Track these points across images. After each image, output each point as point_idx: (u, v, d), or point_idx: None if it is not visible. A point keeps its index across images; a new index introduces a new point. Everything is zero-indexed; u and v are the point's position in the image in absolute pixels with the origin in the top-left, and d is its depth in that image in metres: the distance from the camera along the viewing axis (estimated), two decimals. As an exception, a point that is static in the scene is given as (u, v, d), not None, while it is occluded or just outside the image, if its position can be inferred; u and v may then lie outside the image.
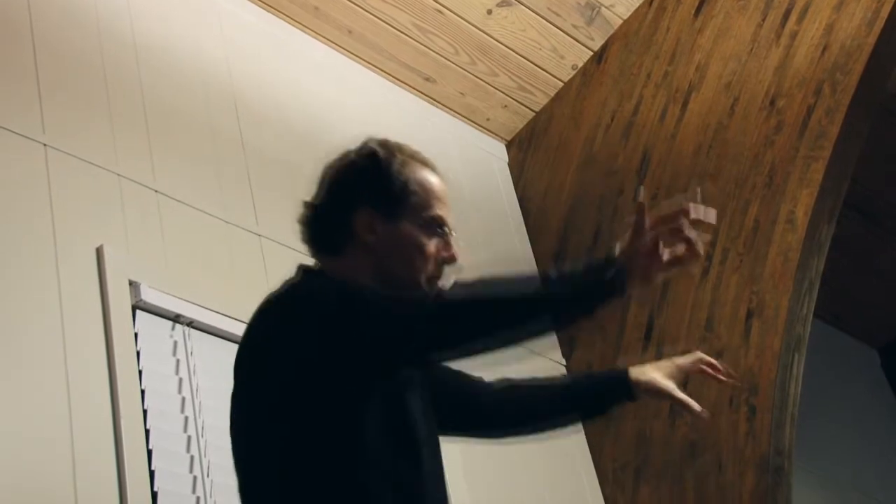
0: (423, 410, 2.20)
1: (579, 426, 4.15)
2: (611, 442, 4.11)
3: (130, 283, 3.02)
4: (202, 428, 2.92)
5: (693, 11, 4.42)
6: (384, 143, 2.33)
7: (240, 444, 2.16)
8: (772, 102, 4.07)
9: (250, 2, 4.01)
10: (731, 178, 4.07)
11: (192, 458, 2.88)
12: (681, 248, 2.01)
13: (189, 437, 2.91)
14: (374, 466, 2.05)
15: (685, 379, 2.53)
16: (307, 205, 2.30)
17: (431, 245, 2.25)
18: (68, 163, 3.10)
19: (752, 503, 3.70)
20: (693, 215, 1.99)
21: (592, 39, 4.64)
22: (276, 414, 2.09)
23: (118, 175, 3.20)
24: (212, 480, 2.85)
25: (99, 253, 3.01)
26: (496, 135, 4.78)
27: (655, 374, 2.50)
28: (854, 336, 6.02)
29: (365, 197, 2.25)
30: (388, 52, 4.33)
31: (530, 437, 2.58)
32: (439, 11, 4.32)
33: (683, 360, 2.54)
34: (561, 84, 4.71)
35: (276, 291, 2.18)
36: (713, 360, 2.53)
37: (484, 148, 4.72)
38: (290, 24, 4.12)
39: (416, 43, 4.35)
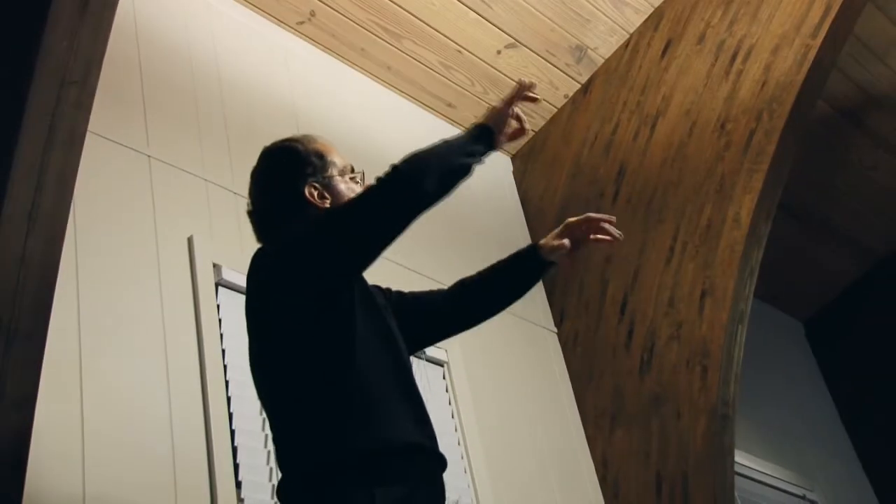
0: (393, 332, 2.20)
1: (567, 382, 4.16)
2: (592, 394, 4.10)
3: (214, 265, 3.03)
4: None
5: (660, 53, 4.40)
6: (287, 139, 2.39)
7: (257, 376, 2.16)
8: (722, 126, 4.05)
9: (312, 45, 4.01)
10: (690, 186, 4.06)
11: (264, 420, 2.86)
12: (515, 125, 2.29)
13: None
14: (357, 372, 2.05)
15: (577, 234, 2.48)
16: (253, 211, 2.31)
17: (359, 188, 2.32)
18: (166, 170, 3.10)
19: (703, 444, 3.69)
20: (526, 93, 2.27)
21: (580, 75, 4.62)
22: (275, 343, 2.10)
23: (205, 180, 3.21)
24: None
25: (190, 241, 3.01)
26: (504, 150, 4.77)
27: (552, 237, 2.48)
28: (785, 312, 6.01)
29: (304, 176, 2.27)
30: (418, 84, 4.32)
31: (491, 315, 2.51)
32: (459, 52, 4.31)
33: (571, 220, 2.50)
34: (555, 110, 4.70)
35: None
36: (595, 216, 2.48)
37: (494, 160, 4.63)
38: (341, 61, 4.11)
39: (440, 77, 4.34)
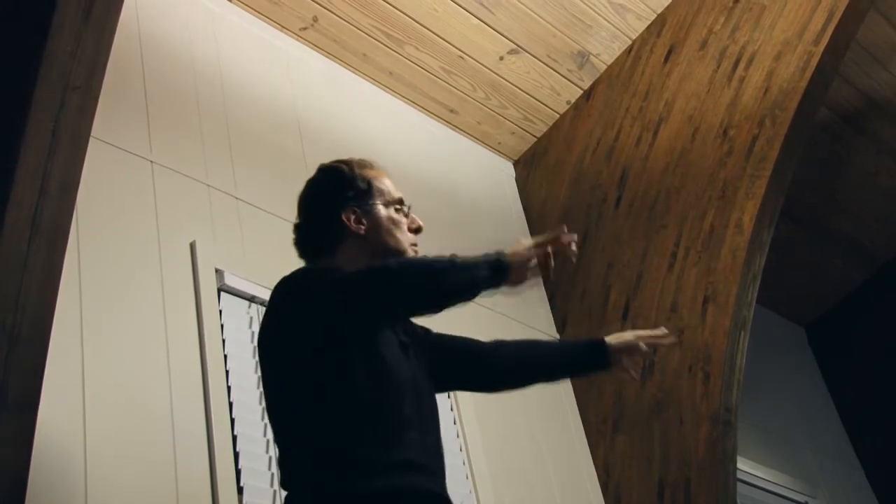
0: (411, 369, 2.18)
1: (569, 387, 4.15)
2: (594, 400, 4.10)
3: (216, 270, 3.02)
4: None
5: (663, 59, 4.40)
6: (337, 161, 2.38)
7: (267, 396, 2.16)
8: (724, 132, 4.05)
9: (314, 50, 4.02)
10: (692, 191, 4.05)
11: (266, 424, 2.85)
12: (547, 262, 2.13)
13: (260, 394, 2.91)
14: (363, 408, 2.04)
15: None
16: (298, 226, 2.34)
17: (403, 220, 2.30)
18: (169, 176, 3.10)
19: (705, 449, 3.68)
20: (564, 239, 2.12)
21: (582, 80, 4.62)
22: (288, 368, 2.10)
23: (208, 185, 3.21)
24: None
25: (192, 247, 3.01)
26: (506, 155, 4.77)
27: (624, 335, 2.49)
28: (788, 317, 6.00)
29: (345, 200, 2.27)
30: (420, 90, 4.32)
31: (518, 388, 2.51)
32: (461, 58, 4.31)
33: (642, 332, 2.52)
34: (557, 116, 4.70)
35: (289, 273, 2.21)
36: (656, 333, 2.50)
37: (496, 166, 4.71)
38: (343, 67, 4.11)
39: (442, 82, 4.34)
